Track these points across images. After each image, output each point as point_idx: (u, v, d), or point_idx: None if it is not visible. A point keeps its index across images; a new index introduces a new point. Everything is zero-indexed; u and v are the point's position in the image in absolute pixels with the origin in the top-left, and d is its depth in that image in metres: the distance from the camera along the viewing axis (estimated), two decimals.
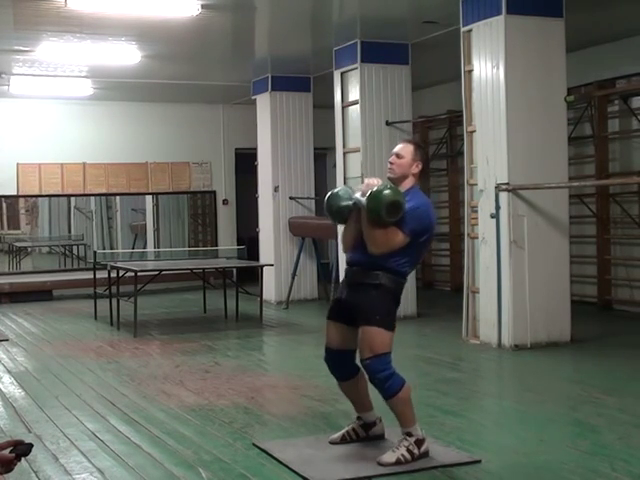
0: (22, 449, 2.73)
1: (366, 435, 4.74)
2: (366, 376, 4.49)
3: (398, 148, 4.59)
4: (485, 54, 7.78)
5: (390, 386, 4.34)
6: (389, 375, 4.33)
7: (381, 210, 4.24)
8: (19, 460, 2.73)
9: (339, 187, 4.80)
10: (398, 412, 4.40)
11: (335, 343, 4.60)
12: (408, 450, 4.33)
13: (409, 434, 4.37)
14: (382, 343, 4.33)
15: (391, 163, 4.55)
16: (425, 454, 4.39)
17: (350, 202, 4.48)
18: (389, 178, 4.54)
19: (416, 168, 4.52)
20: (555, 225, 7.87)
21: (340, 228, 5.20)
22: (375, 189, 4.31)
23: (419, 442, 4.37)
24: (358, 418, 4.76)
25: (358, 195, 4.43)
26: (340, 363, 4.64)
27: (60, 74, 11.22)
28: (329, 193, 4.65)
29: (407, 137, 9.42)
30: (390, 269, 4.38)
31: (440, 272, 13.36)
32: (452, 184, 12.78)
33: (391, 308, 4.44)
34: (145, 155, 13.92)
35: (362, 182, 9.38)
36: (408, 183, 4.49)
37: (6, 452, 2.69)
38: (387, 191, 4.29)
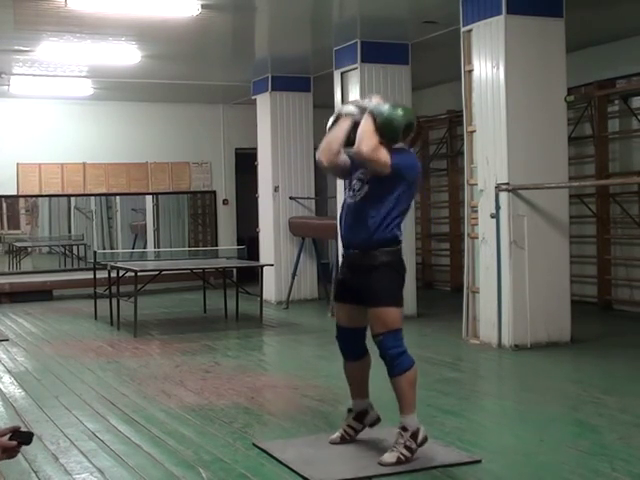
0: (23, 437, 2.74)
1: (362, 426, 4.74)
2: (376, 355, 4.50)
3: None
4: (485, 54, 7.77)
5: (400, 363, 4.38)
6: (401, 352, 4.39)
7: (402, 118, 4.45)
8: (20, 447, 2.75)
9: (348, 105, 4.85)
10: (401, 393, 4.39)
11: (345, 321, 4.66)
12: (406, 447, 4.32)
13: (404, 429, 4.36)
14: (394, 319, 4.40)
15: None
16: (423, 442, 4.38)
17: (356, 109, 4.56)
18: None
19: None
20: (555, 225, 7.87)
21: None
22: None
23: (414, 435, 4.36)
24: (349, 411, 4.77)
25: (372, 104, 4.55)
26: (351, 340, 4.67)
27: (60, 74, 11.21)
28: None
29: None
30: (384, 240, 4.41)
31: (440, 272, 13.35)
32: (452, 184, 12.74)
33: (397, 284, 4.49)
34: (145, 155, 13.91)
35: None
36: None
37: (5, 439, 2.71)
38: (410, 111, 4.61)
